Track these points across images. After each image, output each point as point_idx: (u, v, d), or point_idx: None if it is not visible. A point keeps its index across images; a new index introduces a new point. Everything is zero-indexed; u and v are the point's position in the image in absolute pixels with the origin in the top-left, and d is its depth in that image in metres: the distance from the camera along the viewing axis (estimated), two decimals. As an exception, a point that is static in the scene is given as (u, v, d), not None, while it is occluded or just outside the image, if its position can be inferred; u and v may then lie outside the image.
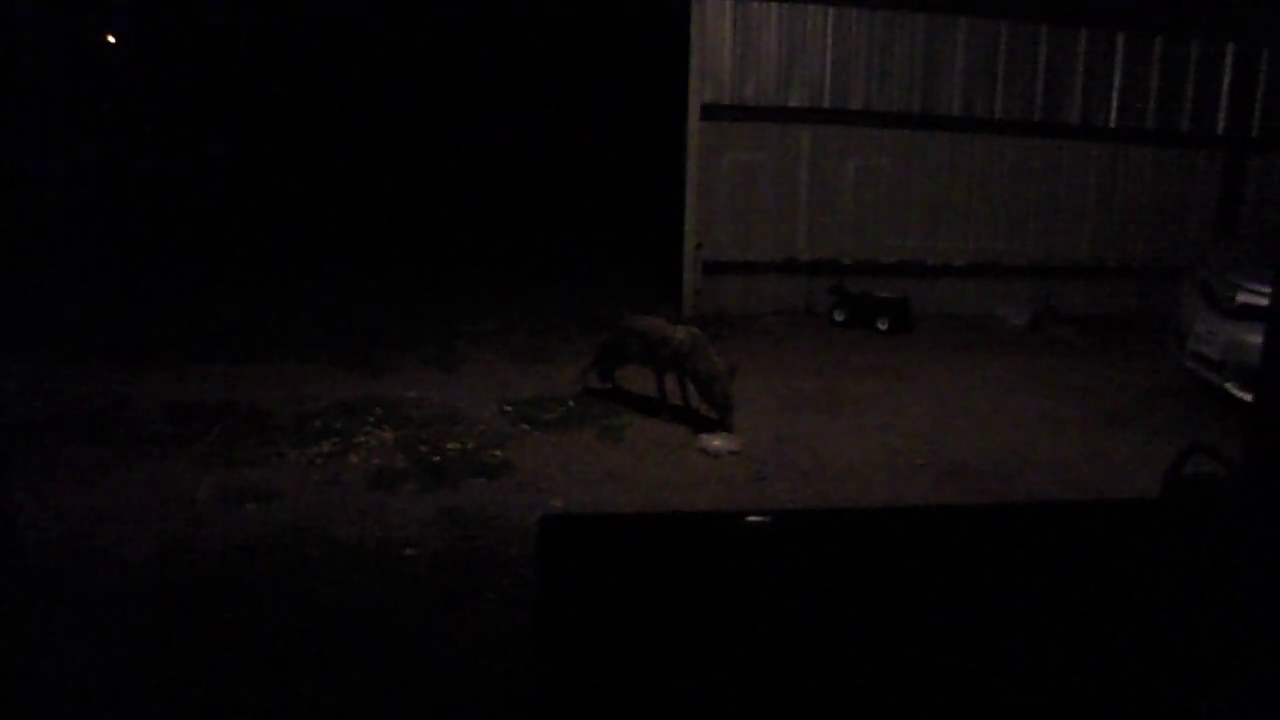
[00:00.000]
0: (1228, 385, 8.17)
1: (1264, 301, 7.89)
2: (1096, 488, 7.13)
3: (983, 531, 2.38)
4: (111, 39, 21.17)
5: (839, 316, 11.34)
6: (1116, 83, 11.89)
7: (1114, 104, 11.96)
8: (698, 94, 11.17)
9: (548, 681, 1.89)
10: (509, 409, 8.32)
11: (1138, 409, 8.83)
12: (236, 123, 20.28)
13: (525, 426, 7.99)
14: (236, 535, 6.09)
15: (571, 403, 8.47)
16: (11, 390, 8.39)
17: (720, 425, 7.88)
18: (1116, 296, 12.25)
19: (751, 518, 2.44)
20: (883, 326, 11.08)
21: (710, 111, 11.22)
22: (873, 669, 1.90)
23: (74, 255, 12.96)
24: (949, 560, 2.21)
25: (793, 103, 11.40)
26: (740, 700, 1.82)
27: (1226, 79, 12.08)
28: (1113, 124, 11.99)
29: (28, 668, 4.72)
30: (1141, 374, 9.83)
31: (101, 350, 9.46)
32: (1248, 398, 7.61)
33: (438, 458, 7.32)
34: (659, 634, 1.96)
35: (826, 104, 11.45)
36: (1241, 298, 8.23)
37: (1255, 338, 7.26)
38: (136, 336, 9.93)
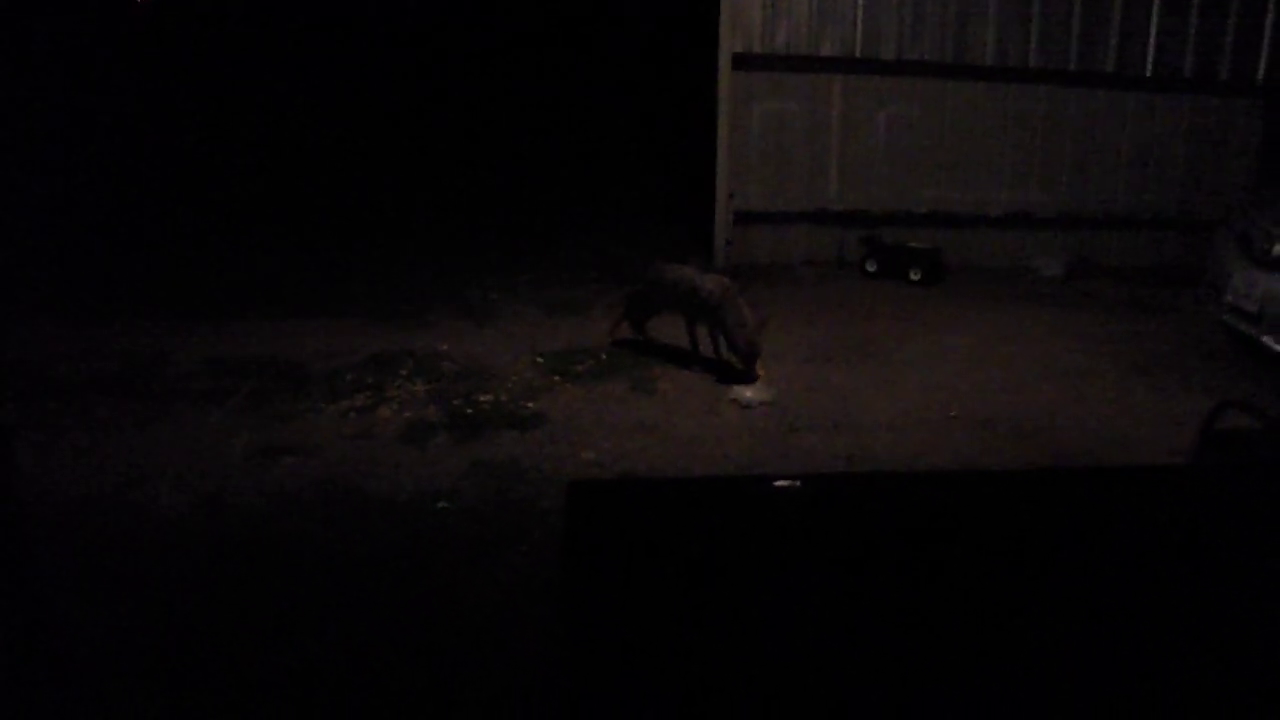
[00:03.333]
0: (1265, 338, 8.09)
1: (1303, 253, 7.82)
2: (1129, 442, 7.09)
3: (1015, 497, 2.37)
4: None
5: (871, 267, 11.28)
6: (1153, 29, 11.70)
7: (1150, 51, 11.78)
8: (728, 44, 11.07)
9: (575, 652, 1.90)
10: (541, 361, 8.34)
11: (1172, 362, 8.76)
12: (263, 82, 20.23)
13: (557, 378, 8.00)
14: (271, 489, 6.14)
15: (603, 354, 8.48)
16: (48, 347, 8.46)
17: (745, 375, 7.88)
18: (1152, 248, 12.12)
19: (781, 482, 2.43)
20: (915, 277, 11.02)
21: (741, 61, 11.12)
22: (901, 637, 1.90)
23: (107, 214, 13.01)
24: (978, 527, 2.20)
25: (824, 52, 11.29)
26: (770, 672, 1.83)
27: (1269, 24, 11.86)
28: (1149, 72, 11.81)
29: (61, 624, 4.79)
30: (1176, 327, 9.74)
31: (137, 307, 9.52)
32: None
33: (470, 410, 7.35)
34: (689, 602, 1.96)
35: (858, 53, 11.33)
36: (1280, 249, 8.15)
37: (1293, 289, 7.20)
38: (171, 294, 9.99)
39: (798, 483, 2.50)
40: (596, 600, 1.99)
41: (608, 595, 2.00)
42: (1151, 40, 11.73)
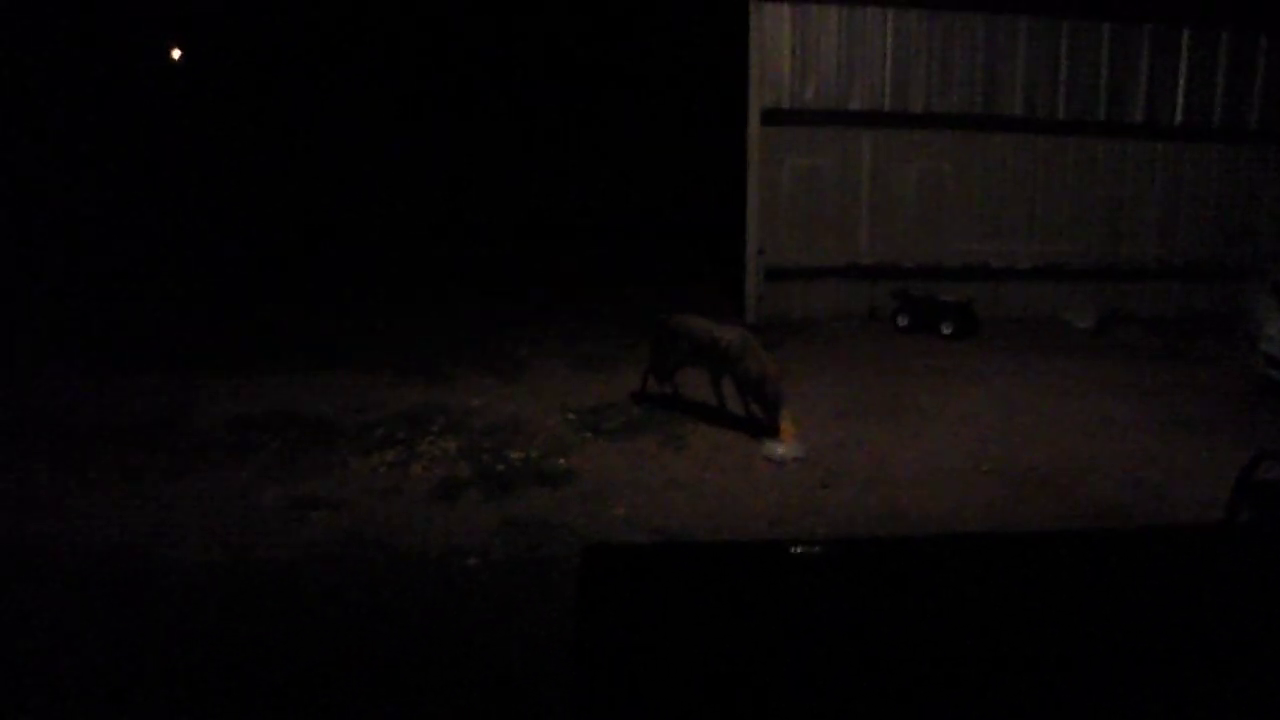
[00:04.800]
0: (1301, 388, 8.03)
1: (1338, 303, 7.76)
2: (1164, 494, 7.00)
3: (1042, 560, 2.33)
4: (177, 53, 21.36)
5: (902, 321, 11.25)
6: (1182, 80, 11.71)
7: (1179, 101, 11.78)
8: (758, 99, 11.15)
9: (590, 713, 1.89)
10: (572, 416, 8.33)
11: (1206, 413, 8.67)
12: (292, 138, 20.46)
13: (588, 434, 7.99)
14: (300, 544, 6.14)
15: (634, 410, 8.47)
16: (77, 396, 8.53)
17: (769, 425, 7.83)
18: (1184, 298, 12.06)
19: (798, 548, 2.40)
20: (947, 331, 10.98)
21: (771, 117, 11.18)
22: (928, 706, 1.87)
23: (137, 267, 13.14)
24: (1003, 592, 2.17)
25: (853, 106, 11.34)
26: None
27: (1296, 74, 11.84)
28: (1178, 122, 11.81)
29: (82, 676, 4.79)
30: (1210, 377, 9.66)
31: (165, 360, 9.60)
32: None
33: (501, 467, 7.34)
34: (703, 669, 1.94)
35: (887, 107, 11.38)
36: (1314, 299, 8.09)
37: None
38: (199, 347, 10.07)
39: (815, 548, 2.47)
40: (609, 665, 1.97)
41: (620, 661, 1.98)
42: (1180, 90, 11.73)
